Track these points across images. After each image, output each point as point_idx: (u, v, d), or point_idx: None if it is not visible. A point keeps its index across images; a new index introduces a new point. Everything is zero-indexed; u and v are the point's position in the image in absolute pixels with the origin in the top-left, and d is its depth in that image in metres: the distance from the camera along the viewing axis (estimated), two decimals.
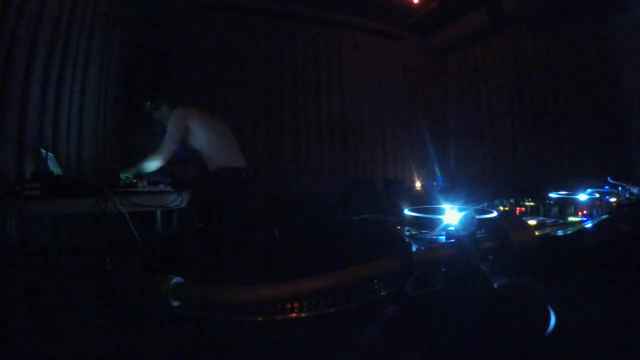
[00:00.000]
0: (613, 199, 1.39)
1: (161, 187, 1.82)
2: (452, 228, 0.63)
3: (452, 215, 0.93)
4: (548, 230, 0.96)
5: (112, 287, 0.60)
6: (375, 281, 0.53)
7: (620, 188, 1.65)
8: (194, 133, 2.33)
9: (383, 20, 4.75)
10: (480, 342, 0.46)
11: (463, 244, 0.54)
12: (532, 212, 1.23)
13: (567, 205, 1.18)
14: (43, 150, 1.88)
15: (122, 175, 1.89)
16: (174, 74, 3.69)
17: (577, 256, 0.75)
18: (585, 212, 1.15)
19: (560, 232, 0.91)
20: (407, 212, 1.05)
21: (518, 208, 1.29)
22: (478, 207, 1.19)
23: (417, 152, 5.10)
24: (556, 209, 1.17)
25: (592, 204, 1.19)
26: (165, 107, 2.41)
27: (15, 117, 2.11)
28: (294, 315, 0.47)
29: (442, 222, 0.92)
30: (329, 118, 4.60)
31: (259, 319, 0.47)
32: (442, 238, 0.87)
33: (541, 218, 1.15)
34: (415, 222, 1.01)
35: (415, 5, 4.23)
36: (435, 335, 0.48)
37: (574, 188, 1.52)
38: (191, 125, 2.32)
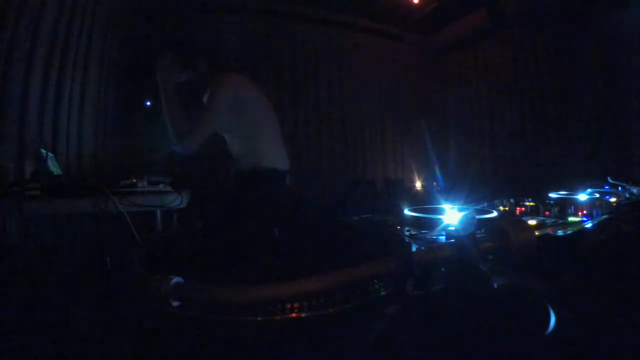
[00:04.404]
0: (613, 199, 1.39)
1: (161, 187, 1.81)
2: (452, 228, 0.63)
3: (452, 215, 0.93)
4: (548, 230, 0.96)
5: (112, 287, 0.60)
6: (375, 281, 0.53)
7: (620, 188, 1.65)
8: (245, 115, 1.73)
9: (383, 20, 4.75)
10: (480, 342, 0.46)
11: (463, 244, 0.54)
12: (532, 212, 1.23)
13: (567, 205, 1.18)
14: (43, 150, 1.88)
15: None
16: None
17: (577, 256, 0.75)
18: (585, 212, 1.15)
19: (560, 232, 0.91)
20: (407, 212, 1.05)
21: (518, 208, 1.29)
22: (478, 207, 1.19)
23: (417, 152, 5.10)
24: (556, 209, 1.17)
25: (592, 204, 1.19)
26: (206, 66, 1.79)
27: (15, 117, 2.11)
28: (294, 315, 0.47)
29: (442, 222, 0.92)
30: (329, 118, 4.60)
31: (259, 319, 0.47)
32: (442, 238, 0.87)
33: (541, 218, 1.15)
34: (415, 222, 1.01)
35: (415, 5, 4.23)
36: (435, 335, 0.48)
37: (574, 188, 1.52)
38: (244, 103, 1.71)
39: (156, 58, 1.75)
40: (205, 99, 1.76)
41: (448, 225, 0.85)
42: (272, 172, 1.87)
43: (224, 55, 3.95)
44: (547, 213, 1.19)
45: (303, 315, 0.47)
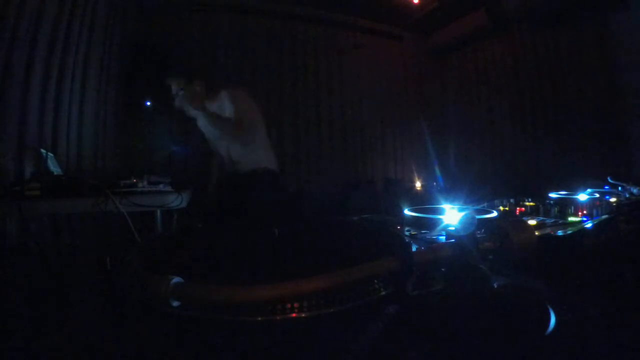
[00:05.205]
0: (613, 199, 1.39)
1: (161, 187, 1.82)
2: (452, 228, 0.63)
3: (452, 215, 0.93)
4: (548, 230, 0.96)
5: (112, 287, 0.60)
6: (375, 281, 0.53)
7: (620, 188, 1.65)
8: (248, 122, 1.98)
9: (383, 20, 4.75)
10: (480, 342, 0.46)
11: (463, 244, 0.54)
12: (532, 212, 1.23)
13: (567, 205, 1.18)
14: (43, 150, 1.88)
15: None
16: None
17: (577, 256, 0.75)
18: (585, 212, 1.15)
19: (560, 232, 0.91)
20: (407, 212, 1.05)
21: (518, 208, 1.29)
22: (478, 207, 1.19)
23: (417, 152, 5.10)
24: (556, 209, 1.17)
25: (592, 204, 1.19)
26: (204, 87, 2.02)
27: (15, 117, 2.11)
28: (294, 315, 0.47)
29: (442, 222, 0.92)
30: (329, 118, 4.60)
31: (259, 319, 0.47)
32: (442, 238, 0.87)
33: (541, 218, 1.15)
34: (415, 222, 1.01)
35: (415, 5, 4.23)
36: (435, 335, 0.48)
37: (574, 188, 1.51)
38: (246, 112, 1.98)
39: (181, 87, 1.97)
40: (224, 110, 1.99)
41: (448, 225, 0.85)
42: (271, 173, 1.97)
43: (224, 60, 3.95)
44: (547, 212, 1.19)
45: (303, 315, 0.47)
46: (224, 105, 2.00)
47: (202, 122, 2.14)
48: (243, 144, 1.99)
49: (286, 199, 2.18)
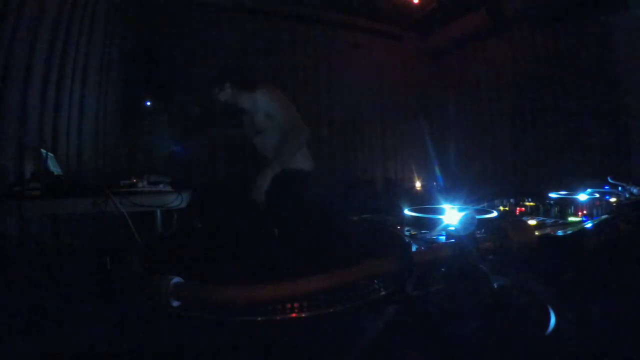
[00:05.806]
0: (613, 199, 1.39)
1: (161, 187, 1.81)
2: (452, 228, 0.63)
3: (452, 215, 0.93)
4: (548, 230, 0.96)
5: (112, 287, 0.60)
6: (375, 281, 0.53)
7: (620, 188, 1.65)
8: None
9: (383, 20, 4.75)
10: (480, 342, 0.46)
11: (463, 244, 0.54)
12: (532, 212, 1.23)
13: (567, 205, 1.18)
14: (43, 150, 1.88)
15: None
16: (173, 73, 3.69)
17: (577, 256, 0.75)
18: (585, 212, 1.15)
19: (560, 232, 0.91)
20: (407, 212, 1.05)
21: (518, 208, 1.29)
22: (478, 207, 1.19)
23: (417, 152, 5.10)
24: (556, 209, 1.17)
25: (592, 204, 1.19)
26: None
27: (15, 117, 2.11)
28: (294, 315, 0.47)
29: (442, 222, 0.92)
30: (328, 118, 4.60)
31: (259, 319, 0.47)
32: (442, 238, 0.87)
33: (541, 218, 1.15)
34: (415, 222, 1.01)
35: (415, 5, 4.23)
36: (435, 335, 0.48)
37: (574, 188, 1.51)
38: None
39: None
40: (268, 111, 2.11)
41: (448, 225, 0.85)
42: (301, 173, 2.11)
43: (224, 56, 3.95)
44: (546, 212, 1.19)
45: (303, 315, 0.47)
46: (259, 104, 2.12)
47: (249, 122, 2.19)
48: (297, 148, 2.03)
49: (312, 197, 2.21)
